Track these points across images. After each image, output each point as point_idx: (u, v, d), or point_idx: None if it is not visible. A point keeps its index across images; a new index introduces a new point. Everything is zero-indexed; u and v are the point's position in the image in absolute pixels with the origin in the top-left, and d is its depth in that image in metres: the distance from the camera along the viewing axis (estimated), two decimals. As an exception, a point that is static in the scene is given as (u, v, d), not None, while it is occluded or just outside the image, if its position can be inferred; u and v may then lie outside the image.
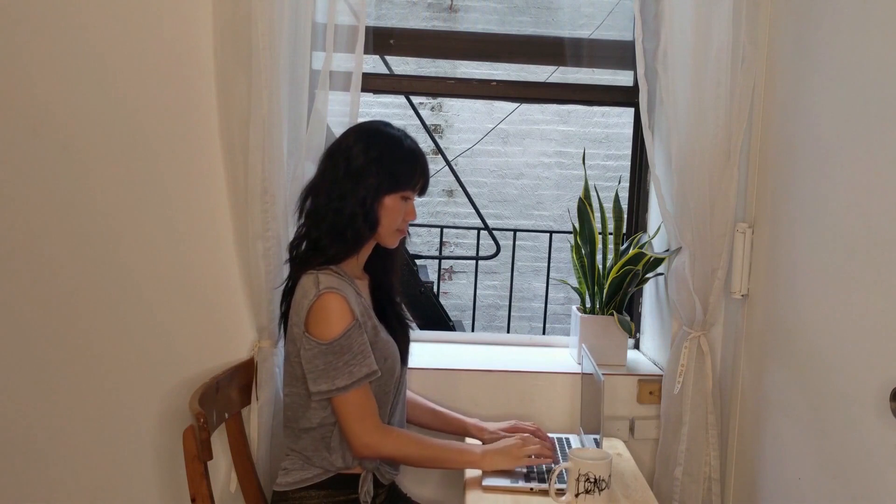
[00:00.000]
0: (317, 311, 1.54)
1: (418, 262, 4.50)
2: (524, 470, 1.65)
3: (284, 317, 1.68)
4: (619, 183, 2.35)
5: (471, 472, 1.66)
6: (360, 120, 1.80)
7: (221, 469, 1.89)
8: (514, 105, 5.59)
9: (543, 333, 4.91)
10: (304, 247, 1.65)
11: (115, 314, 1.89)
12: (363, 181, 1.59)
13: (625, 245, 2.11)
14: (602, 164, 5.68)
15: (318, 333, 1.53)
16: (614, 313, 2.00)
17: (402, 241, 1.75)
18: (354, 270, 1.67)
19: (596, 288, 2.06)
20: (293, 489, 1.61)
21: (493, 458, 1.62)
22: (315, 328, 1.54)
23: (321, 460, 1.61)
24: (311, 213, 1.63)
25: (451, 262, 5.84)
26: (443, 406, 1.88)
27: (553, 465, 1.63)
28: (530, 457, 1.64)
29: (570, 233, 2.14)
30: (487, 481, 1.60)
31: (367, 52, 1.90)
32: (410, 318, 1.80)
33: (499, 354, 2.16)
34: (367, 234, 1.62)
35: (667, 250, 1.97)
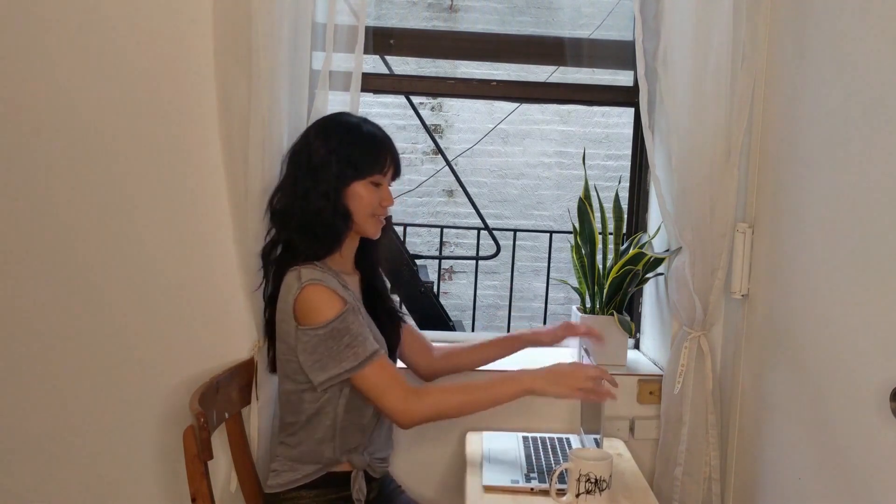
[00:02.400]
0: (303, 303, 1.54)
1: (418, 262, 4.49)
2: (525, 470, 1.66)
3: (270, 323, 1.67)
4: (619, 183, 2.35)
5: (472, 474, 1.66)
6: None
7: (221, 469, 1.89)
8: (514, 105, 5.59)
9: (543, 333, 4.89)
10: (279, 250, 1.66)
11: (115, 314, 1.89)
12: (324, 174, 1.59)
13: (625, 245, 2.11)
14: (602, 164, 5.68)
15: (313, 322, 1.53)
16: (614, 313, 2.00)
17: (389, 233, 1.75)
18: (340, 265, 1.66)
19: (596, 288, 2.06)
20: (284, 490, 1.61)
21: (545, 384, 1.53)
22: (308, 319, 1.54)
23: (312, 455, 1.61)
24: (278, 215, 1.64)
25: (451, 262, 5.84)
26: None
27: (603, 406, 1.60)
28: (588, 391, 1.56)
29: (570, 233, 2.13)
30: (487, 481, 1.60)
31: (367, 52, 1.90)
32: (401, 312, 1.80)
33: (499, 354, 2.15)
34: (340, 225, 1.60)
35: (667, 250, 1.97)
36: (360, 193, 1.60)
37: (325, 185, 1.58)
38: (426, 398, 1.56)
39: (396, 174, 1.67)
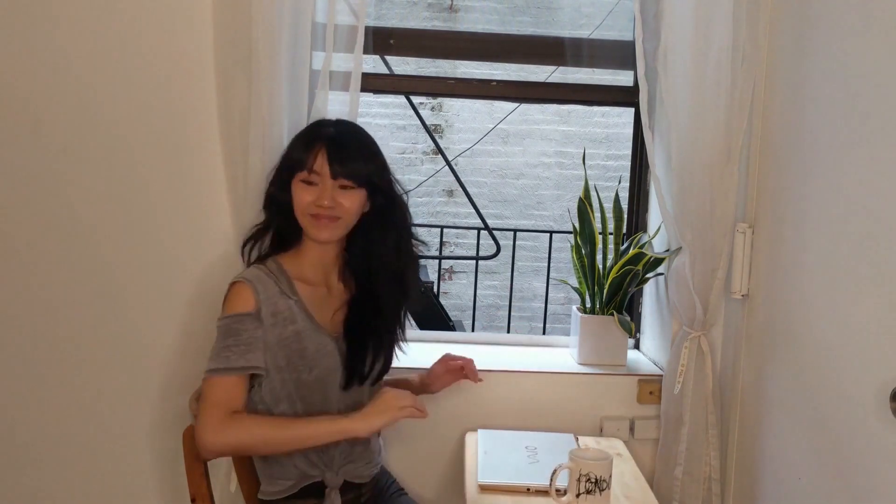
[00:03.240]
0: (226, 297, 1.54)
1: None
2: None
3: None
4: (619, 183, 2.35)
5: (470, 473, 1.67)
6: (359, 120, 1.81)
7: (221, 469, 1.89)
8: (514, 105, 5.59)
9: (543, 333, 4.91)
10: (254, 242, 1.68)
11: (116, 314, 1.89)
12: (276, 173, 1.62)
13: (625, 245, 2.11)
14: (602, 164, 5.68)
15: (221, 313, 1.53)
16: (614, 313, 2.00)
17: (400, 250, 1.67)
18: (299, 271, 1.60)
19: (596, 288, 2.06)
20: (273, 499, 1.58)
21: (367, 420, 1.47)
22: (222, 310, 1.54)
23: (281, 470, 1.57)
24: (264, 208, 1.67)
25: (451, 262, 5.84)
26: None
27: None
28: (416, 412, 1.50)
29: (570, 233, 2.13)
30: (486, 481, 1.60)
31: (366, 52, 1.90)
32: (392, 339, 1.67)
33: (499, 354, 2.16)
34: (284, 224, 1.60)
35: (667, 250, 1.97)
36: (295, 191, 1.56)
37: (278, 185, 1.60)
38: (236, 426, 1.45)
39: (336, 174, 1.53)
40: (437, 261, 5.46)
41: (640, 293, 2.21)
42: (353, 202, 1.56)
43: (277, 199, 1.60)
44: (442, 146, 5.15)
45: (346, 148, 1.56)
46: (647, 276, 2.01)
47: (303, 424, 1.48)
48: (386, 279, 1.65)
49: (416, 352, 2.03)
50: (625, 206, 2.18)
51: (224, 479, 1.91)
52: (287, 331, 1.53)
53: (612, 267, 2.03)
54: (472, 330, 5.13)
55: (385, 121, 5.63)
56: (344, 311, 1.63)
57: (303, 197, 1.55)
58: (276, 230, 1.64)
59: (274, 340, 1.51)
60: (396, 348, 1.71)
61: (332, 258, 1.64)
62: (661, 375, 1.99)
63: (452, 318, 4.37)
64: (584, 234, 2.07)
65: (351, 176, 1.55)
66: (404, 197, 1.68)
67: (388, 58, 3.55)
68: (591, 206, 2.07)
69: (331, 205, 1.53)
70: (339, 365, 1.58)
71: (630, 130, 2.20)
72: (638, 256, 1.98)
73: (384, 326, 1.66)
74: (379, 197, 1.61)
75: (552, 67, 4.48)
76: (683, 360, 1.89)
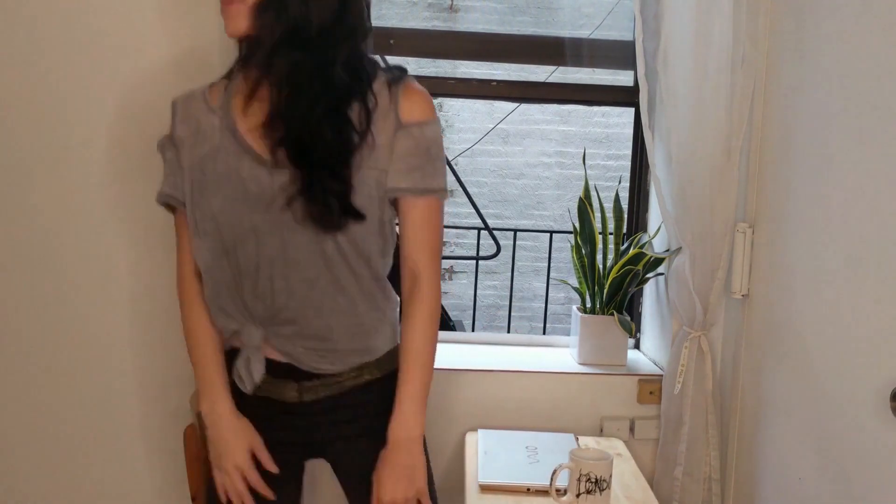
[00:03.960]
0: None
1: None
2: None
3: None
4: (619, 183, 2.35)
5: (470, 473, 1.67)
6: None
7: (221, 469, 1.89)
8: (514, 105, 5.60)
9: (544, 333, 4.90)
10: None
11: (116, 312, 1.89)
12: None
13: (625, 245, 2.11)
14: (602, 164, 5.68)
15: None
16: (614, 313, 2.00)
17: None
18: (240, 89, 1.30)
19: (596, 288, 2.06)
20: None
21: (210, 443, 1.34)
22: None
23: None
24: None
25: (452, 262, 5.84)
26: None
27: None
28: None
29: (570, 233, 2.14)
30: (486, 480, 1.60)
31: (367, 52, 1.89)
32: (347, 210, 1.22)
33: (499, 354, 2.16)
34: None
35: (667, 250, 1.97)
36: None
37: None
38: (185, 308, 1.36)
39: None
40: (437, 261, 5.45)
41: (640, 293, 2.21)
42: None
43: None
44: (442, 146, 5.14)
45: None
46: (647, 276, 2.01)
47: (195, 362, 1.34)
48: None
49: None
50: (625, 206, 2.18)
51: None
52: (203, 149, 1.30)
53: (612, 267, 2.03)
54: (473, 330, 5.13)
55: (385, 121, 5.61)
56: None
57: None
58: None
59: (189, 164, 1.32)
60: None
61: None
62: (661, 375, 1.99)
63: (453, 318, 4.36)
64: (584, 234, 2.07)
65: None
66: None
67: (388, 58, 3.55)
68: (591, 206, 2.07)
69: None
70: (249, 195, 1.25)
71: (630, 130, 2.20)
72: (638, 256, 1.98)
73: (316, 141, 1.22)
74: None
75: (552, 67, 4.48)
76: (683, 360, 1.89)
